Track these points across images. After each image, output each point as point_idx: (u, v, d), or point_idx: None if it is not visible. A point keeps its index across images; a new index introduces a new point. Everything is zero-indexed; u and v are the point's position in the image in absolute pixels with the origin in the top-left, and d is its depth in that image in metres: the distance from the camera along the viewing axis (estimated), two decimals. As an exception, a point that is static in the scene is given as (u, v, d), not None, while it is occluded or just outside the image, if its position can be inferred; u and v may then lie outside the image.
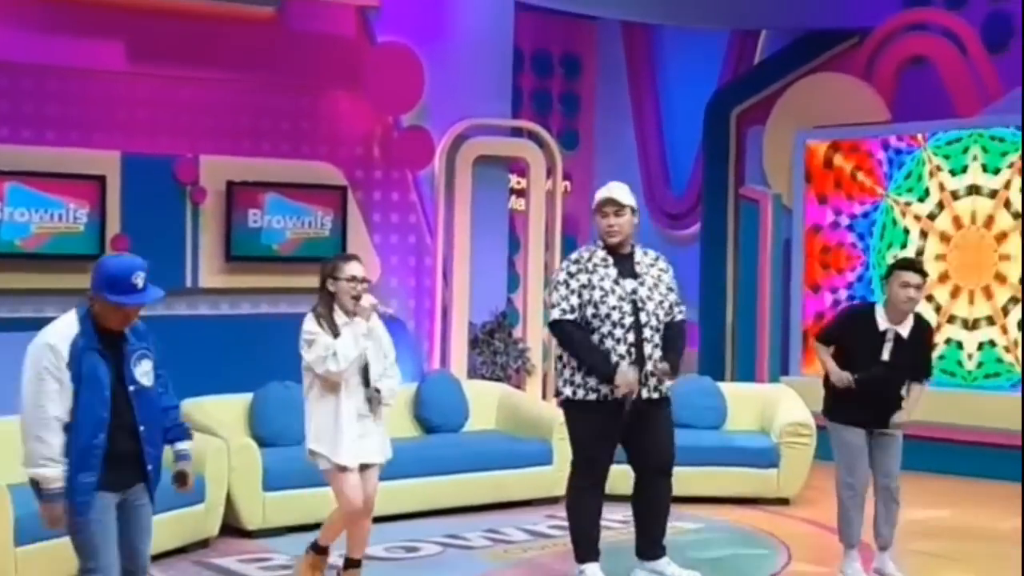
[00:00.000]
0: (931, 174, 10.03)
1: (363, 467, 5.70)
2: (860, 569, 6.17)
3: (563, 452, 8.16)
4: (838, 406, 6.09)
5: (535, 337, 10.21)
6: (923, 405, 6.20)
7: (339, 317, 5.64)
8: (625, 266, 5.85)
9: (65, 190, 8.14)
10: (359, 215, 9.48)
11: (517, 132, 10.49)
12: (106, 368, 4.29)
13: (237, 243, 8.87)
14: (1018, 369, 9.48)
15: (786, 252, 11.00)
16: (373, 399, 5.67)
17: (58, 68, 8.40)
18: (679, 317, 5.97)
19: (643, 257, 5.94)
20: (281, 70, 9.21)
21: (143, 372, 4.38)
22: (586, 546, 6.01)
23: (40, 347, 4.26)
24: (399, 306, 9.82)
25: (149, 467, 4.39)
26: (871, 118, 10.55)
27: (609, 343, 5.71)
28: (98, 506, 4.29)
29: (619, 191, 5.90)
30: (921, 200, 10.09)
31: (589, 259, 5.84)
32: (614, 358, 5.70)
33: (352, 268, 5.69)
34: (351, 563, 5.93)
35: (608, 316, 5.73)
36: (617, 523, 7.52)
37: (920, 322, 6.09)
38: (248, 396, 7.70)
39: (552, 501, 8.10)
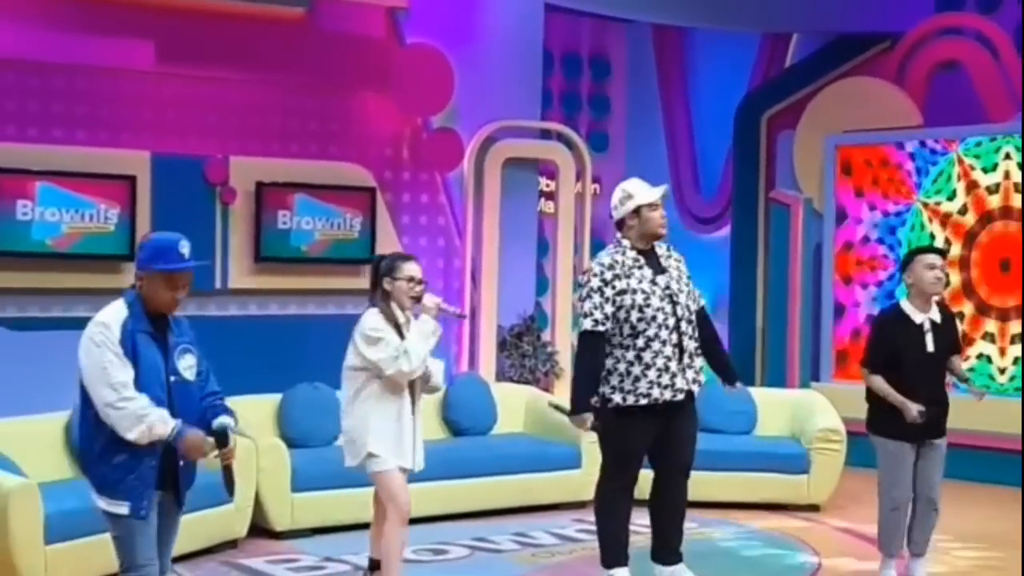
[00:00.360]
0: (959, 176, 9.95)
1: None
2: None
3: (591, 455, 8.13)
4: (887, 419, 5.99)
5: (563, 340, 10.17)
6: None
7: (399, 316, 5.55)
8: (654, 263, 5.79)
9: (96, 190, 8.15)
10: (388, 217, 9.46)
11: (546, 134, 10.46)
12: (158, 352, 4.24)
13: (266, 244, 8.86)
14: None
15: (816, 257, 10.92)
16: (420, 384, 5.59)
17: (88, 68, 8.42)
18: (703, 303, 5.96)
19: (661, 250, 5.88)
20: (310, 71, 9.20)
21: (186, 366, 4.31)
22: (615, 551, 5.94)
23: (92, 327, 4.20)
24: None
25: (181, 463, 4.30)
26: (903, 123, 10.47)
27: (657, 345, 5.63)
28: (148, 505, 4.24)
29: (659, 188, 5.89)
30: (950, 199, 10.02)
31: (623, 263, 5.74)
32: (661, 360, 5.63)
33: (411, 268, 5.59)
34: (378, 564, 5.85)
35: (654, 318, 5.64)
36: (644, 528, 7.50)
37: (942, 306, 6.19)
38: (277, 397, 7.70)
39: (580, 505, 8.08)
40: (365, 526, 6.38)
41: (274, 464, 7.06)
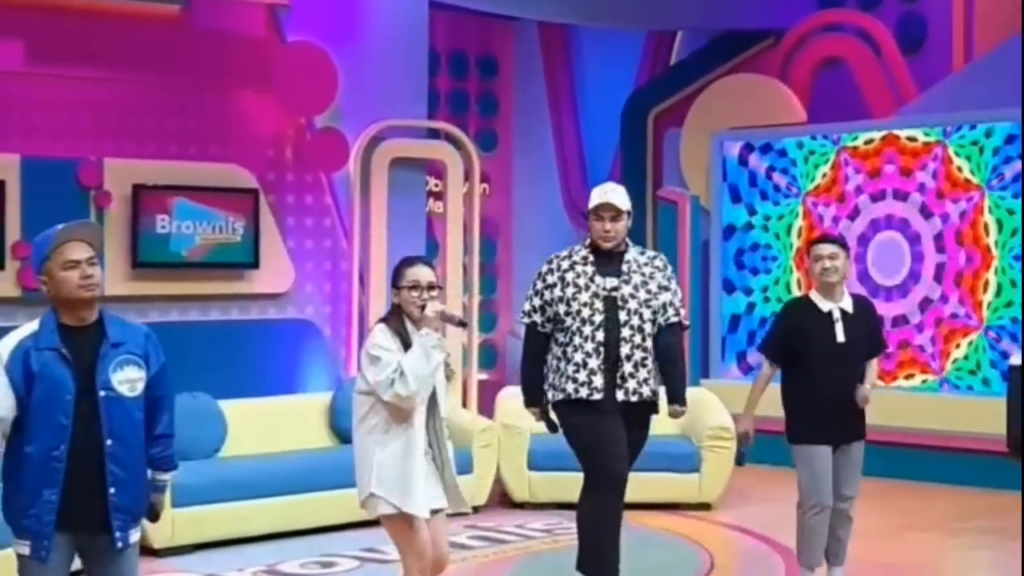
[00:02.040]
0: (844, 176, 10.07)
1: (432, 513, 4.81)
2: None
3: (483, 459, 8.05)
4: (802, 425, 5.78)
5: (454, 342, 10.04)
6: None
7: (411, 329, 4.79)
8: (608, 264, 5.57)
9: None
10: (272, 219, 9.24)
11: (434, 134, 10.32)
12: (66, 368, 3.79)
13: (144, 249, 8.56)
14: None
15: (704, 254, 10.97)
16: (449, 376, 4.94)
17: (-47, 68, 8.07)
18: (673, 319, 5.59)
19: (637, 256, 5.63)
20: (188, 70, 8.93)
21: (123, 379, 3.84)
22: (596, 565, 5.59)
23: None
24: (314, 312, 9.62)
25: (112, 490, 3.78)
26: (787, 119, 10.57)
27: (577, 340, 5.48)
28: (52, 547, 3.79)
29: (616, 195, 5.58)
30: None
31: (567, 257, 5.61)
32: (580, 356, 5.45)
33: (415, 273, 4.82)
34: None
35: (578, 313, 5.49)
36: (539, 532, 7.44)
37: (857, 296, 5.99)
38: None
39: (472, 510, 7.94)
40: (249, 540, 6.22)
41: (153, 478, 6.80)
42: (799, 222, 10.41)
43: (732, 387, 9.65)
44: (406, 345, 4.71)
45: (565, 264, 5.60)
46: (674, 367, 5.67)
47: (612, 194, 5.60)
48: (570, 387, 5.48)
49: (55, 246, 3.88)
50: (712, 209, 10.89)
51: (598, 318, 5.48)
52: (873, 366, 5.93)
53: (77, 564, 4.00)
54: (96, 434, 3.80)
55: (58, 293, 3.85)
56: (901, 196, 9.81)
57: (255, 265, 9.03)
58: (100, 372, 3.82)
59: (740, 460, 6.22)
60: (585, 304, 5.50)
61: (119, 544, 3.86)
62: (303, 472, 7.39)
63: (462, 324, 5.19)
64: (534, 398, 5.67)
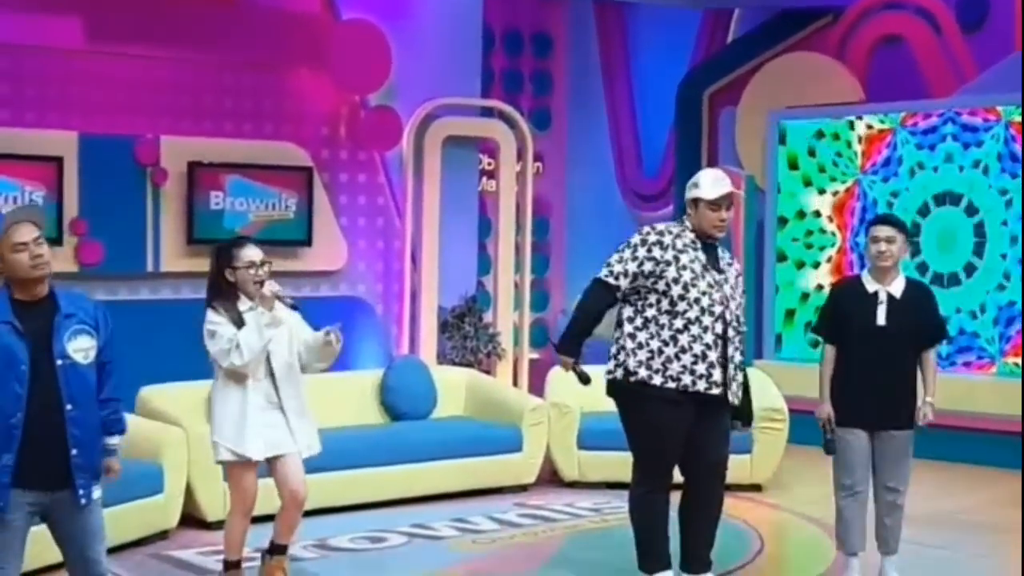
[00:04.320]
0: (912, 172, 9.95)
1: (275, 459, 5.49)
2: None
3: (533, 438, 8.06)
4: (837, 406, 5.65)
5: (506, 321, 10.06)
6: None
7: (243, 304, 5.38)
8: (712, 258, 5.38)
9: (16, 171, 7.90)
10: (325, 197, 9.29)
11: (487, 112, 10.31)
12: (20, 340, 4.01)
13: (199, 226, 8.66)
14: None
15: (759, 234, 10.88)
16: (330, 343, 5.39)
17: (12, 46, 8.15)
18: (742, 329, 5.44)
19: (723, 255, 5.44)
20: (244, 48, 8.99)
21: (77, 348, 4.10)
22: (652, 555, 5.44)
23: None
24: (366, 290, 9.67)
25: (73, 451, 4.05)
26: (844, 98, 10.43)
27: (696, 330, 5.22)
28: (11, 504, 4.01)
29: (730, 182, 5.42)
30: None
31: (677, 236, 5.34)
32: (699, 347, 5.23)
33: (250, 253, 5.40)
34: (277, 548, 5.70)
35: (698, 301, 5.24)
36: (588, 511, 7.45)
37: (913, 282, 5.79)
38: (208, 383, 7.47)
39: (521, 489, 7.99)
40: (304, 514, 6.26)
41: (206, 453, 6.84)
42: (855, 202, 10.29)
43: (785, 369, 9.59)
44: (235, 318, 5.32)
45: (679, 244, 5.31)
46: (746, 382, 5.48)
47: (728, 182, 5.41)
48: (687, 378, 5.23)
49: (3, 231, 4.12)
50: (767, 189, 10.79)
51: (718, 309, 5.25)
52: (931, 367, 5.68)
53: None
54: (55, 399, 4.04)
55: (13, 273, 4.10)
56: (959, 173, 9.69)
57: (308, 243, 9.09)
58: (56, 342, 4.07)
59: (830, 448, 5.68)
60: (705, 292, 5.25)
61: (83, 500, 4.11)
62: (354, 448, 7.42)
63: (294, 307, 5.49)
64: (572, 350, 5.44)
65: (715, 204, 5.34)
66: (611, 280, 5.32)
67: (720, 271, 5.38)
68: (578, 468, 8.19)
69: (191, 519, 6.86)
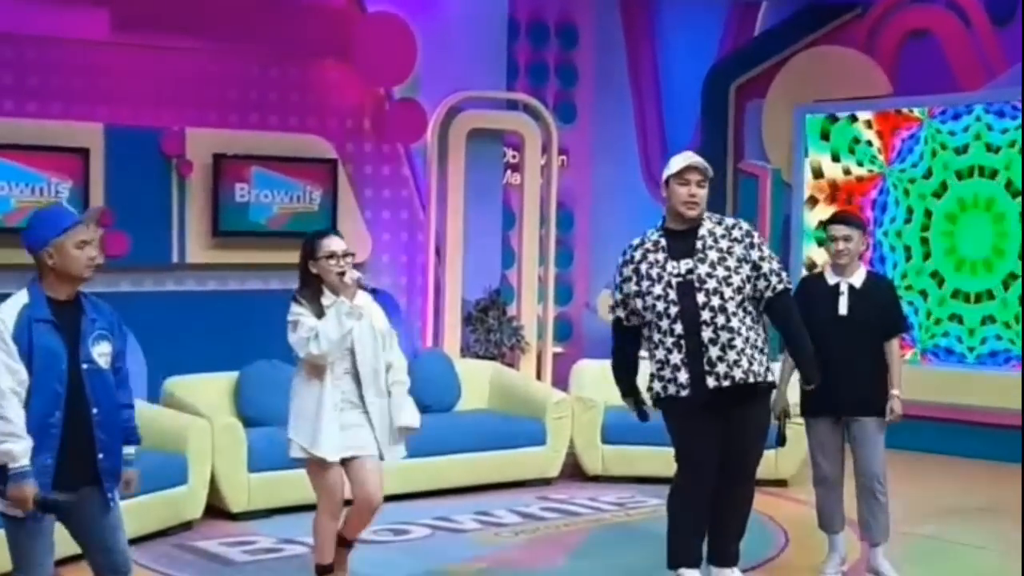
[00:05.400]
0: (934, 153, 9.86)
1: (351, 459, 5.36)
2: (838, 564, 6.03)
3: (557, 432, 8.04)
4: (806, 395, 5.75)
5: (529, 314, 10.04)
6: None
7: (327, 298, 5.31)
8: (681, 245, 5.30)
9: (42, 163, 7.92)
10: (349, 189, 9.29)
11: (512, 105, 10.29)
12: (60, 340, 4.03)
13: (225, 218, 8.67)
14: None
15: (785, 228, 10.82)
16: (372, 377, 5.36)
17: (39, 38, 8.18)
18: (779, 288, 5.29)
19: (714, 228, 5.33)
20: (269, 40, 8.99)
21: (101, 352, 4.11)
22: (678, 550, 5.48)
23: None
24: (390, 283, 9.66)
25: (100, 455, 4.07)
26: (872, 92, 10.36)
27: (657, 336, 5.27)
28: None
29: (701, 159, 5.43)
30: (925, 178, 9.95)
31: (639, 245, 5.39)
32: (662, 352, 5.25)
33: (330, 244, 5.35)
34: (342, 541, 5.61)
35: (653, 307, 5.26)
36: (611, 505, 7.43)
37: (874, 274, 6.03)
38: (234, 375, 7.54)
39: (545, 482, 7.98)
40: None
41: (230, 444, 6.91)
42: (883, 197, 10.22)
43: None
44: (317, 310, 5.26)
45: (638, 254, 5.36)
46: (796, 344, 5.44)
47: (696, 157, 5.43)
48: (657, 385, 5.32)
49: (73, 224, 4.10)
50: (793, 183, 10.73)
51: (673, 309, 5.23)
52: (895, 359, 5.83)
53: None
54: (83, 403, 4.04)
55: (66, 269, 4.07)
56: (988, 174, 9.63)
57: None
58: (83, 345, 4.08)
59: (782, 440, 5.87)
60: (659, 297, 5.26)
61: (111, 505, 4.16)
62: (377, 441, 7.41)
63: (373, 291, 5.52)
64: (624, 389, 5.57)
65: (682, 178, 5.36)
66: (612, 315, 5.52)
67: (694, 253, 5.26)
68: (602, 462, 8.17)
69: (215, 510, 6.88)
